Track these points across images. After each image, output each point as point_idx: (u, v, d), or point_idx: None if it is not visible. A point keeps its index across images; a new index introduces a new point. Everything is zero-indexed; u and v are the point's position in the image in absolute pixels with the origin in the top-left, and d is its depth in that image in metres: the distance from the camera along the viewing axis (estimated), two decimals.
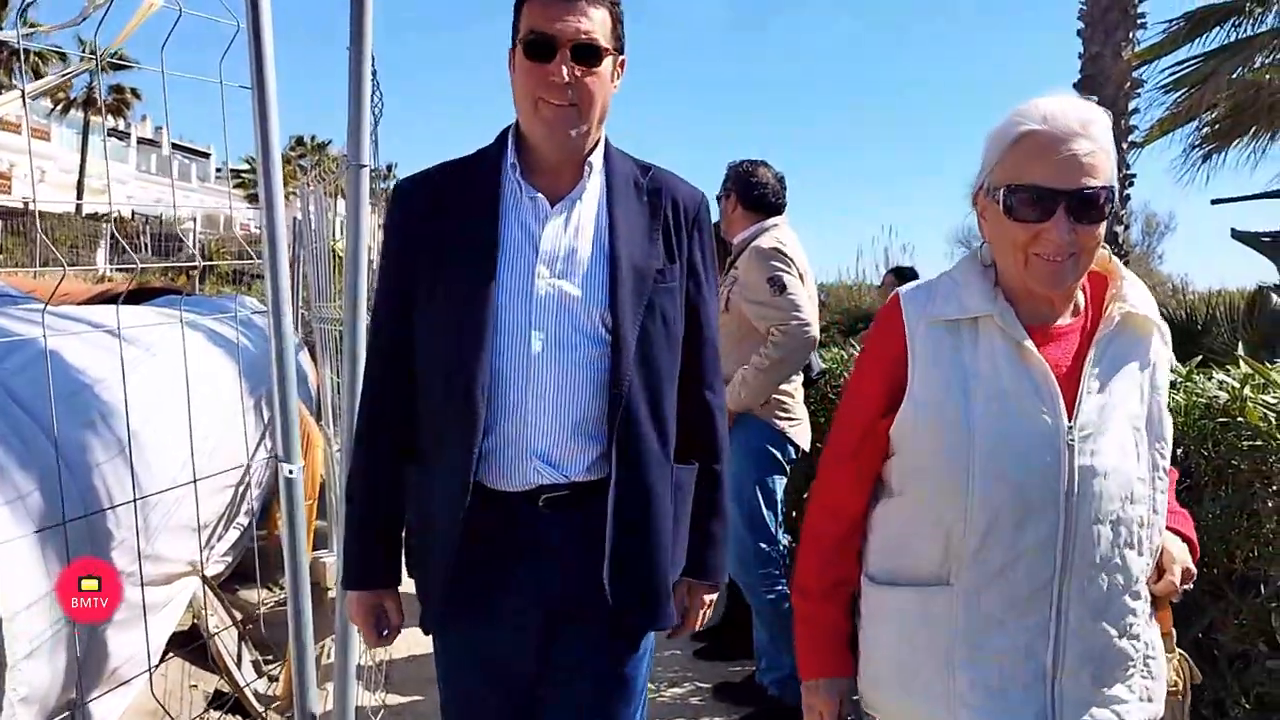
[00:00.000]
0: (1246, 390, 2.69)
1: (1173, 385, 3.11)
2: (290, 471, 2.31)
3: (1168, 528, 1.78)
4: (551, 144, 1.91)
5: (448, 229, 1.91)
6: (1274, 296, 7.61)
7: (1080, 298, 1.78)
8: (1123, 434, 1.68)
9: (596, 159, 1.99)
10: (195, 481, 2.76)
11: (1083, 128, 1.61)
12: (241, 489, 4.90)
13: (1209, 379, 3.10)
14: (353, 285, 2.44)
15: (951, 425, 1.68)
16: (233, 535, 4.86)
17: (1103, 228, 1.65)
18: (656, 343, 1.96)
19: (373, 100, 2.50)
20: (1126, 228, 10.18)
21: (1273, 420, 2.51)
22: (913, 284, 1.87)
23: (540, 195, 1.94)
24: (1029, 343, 1.67)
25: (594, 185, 1.98)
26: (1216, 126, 9.22)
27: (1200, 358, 3.85)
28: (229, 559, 4.85)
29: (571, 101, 1.86)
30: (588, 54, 1.86)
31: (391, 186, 2.00)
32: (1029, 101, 1.69)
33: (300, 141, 53.22)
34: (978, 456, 1.65)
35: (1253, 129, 8.95)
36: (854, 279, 26.43)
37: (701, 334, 2.08)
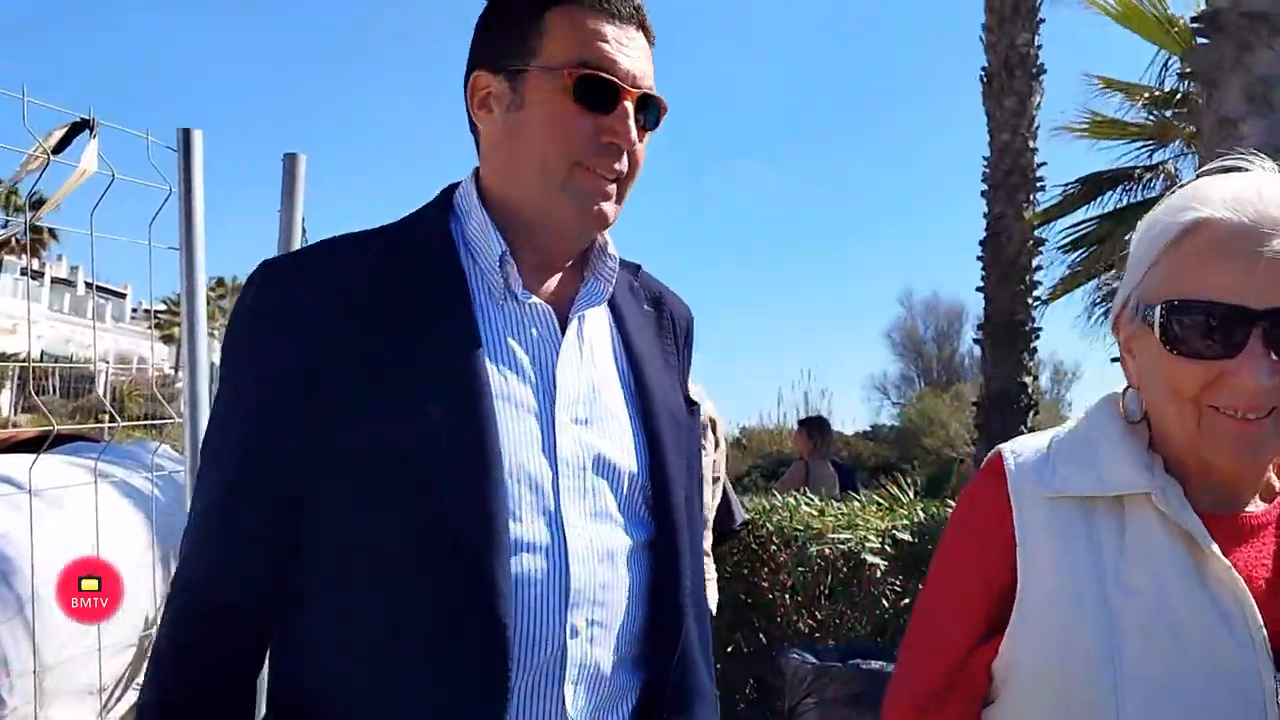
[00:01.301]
0: None
1: None
2: None
3: None
4: (577, 231, 1.30)
5: (385, 341, 1.17)
6: None
7: (1272, 475, 1.19)
8: None
9: (612, 248, 1.36)
10: (100, 649, 2.64)
11: None
12: (145, 648, 4.69)
13: None
14: None
15: (1086, 667, 1.06)
16: (131, 696, 4.63)
17: None
18: (695, 520, 1.39)
19: None
20: (1035, 378, 10.57)
21: None
22: (1018, 441, 1.26)
23: (543, 303, 1.28)
24: (1214, 545, 1.08)
25: (598, 290, 1.34)
26: (1115, 285, 9.76)
27: None
28: None
29: (620, 173, 1.26)
30: (652, 109, 1.29)
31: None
32: (1202, 179, 1.14)
33: (220, 282, 52.97)
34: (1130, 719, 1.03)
35: None
36: (775, 423, 26.78)
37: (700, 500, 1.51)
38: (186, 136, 2.22)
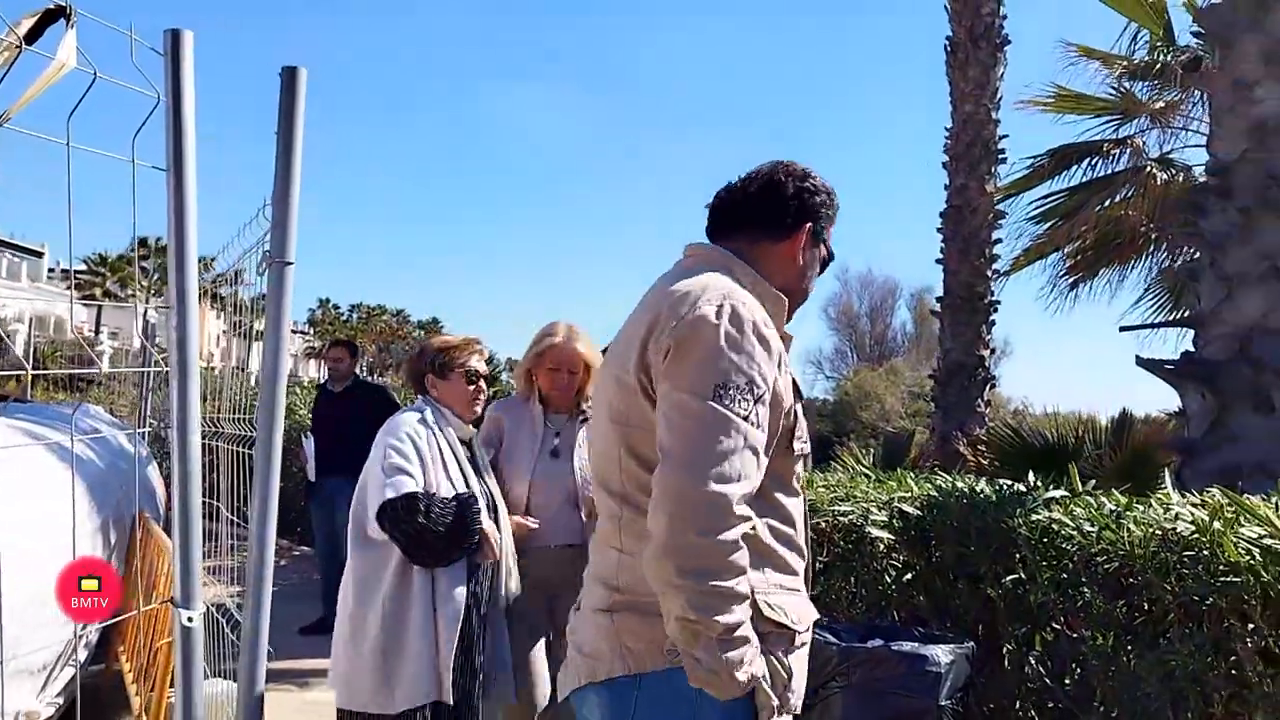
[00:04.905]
0: (1216, 524, 2.61)
1: (1117, 515, 3.04)
2: (189, 619, 1.93)
3: None
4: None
5: None
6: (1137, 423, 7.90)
7: None
8: None
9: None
10: None
11: None
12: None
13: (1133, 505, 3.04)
14: (270, 399, 2.11)
15: None
16: (69, 672, 4.29)
17: None
18: None
19: None
20: (992, 351, 10.52)
21: (1257, 556, 2.42)
22: None
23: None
24: None
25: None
26: (1079, 258, 9.71)
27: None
28: (60, 701, 4.27)
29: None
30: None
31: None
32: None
33: (143, 243, 50.93)
34: None
35: (1113, 260, 9.46)
36: None
37: None
38: (175, 39, 1.90)
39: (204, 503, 4.38)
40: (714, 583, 1.65)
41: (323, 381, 8.04)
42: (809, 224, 2.00)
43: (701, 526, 1.65)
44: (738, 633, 1.68)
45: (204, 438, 3.89)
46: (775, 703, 1.76)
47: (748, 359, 1.75)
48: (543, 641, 3.59)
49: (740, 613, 1.68)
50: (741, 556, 1.68)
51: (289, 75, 2.13)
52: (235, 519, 3.09)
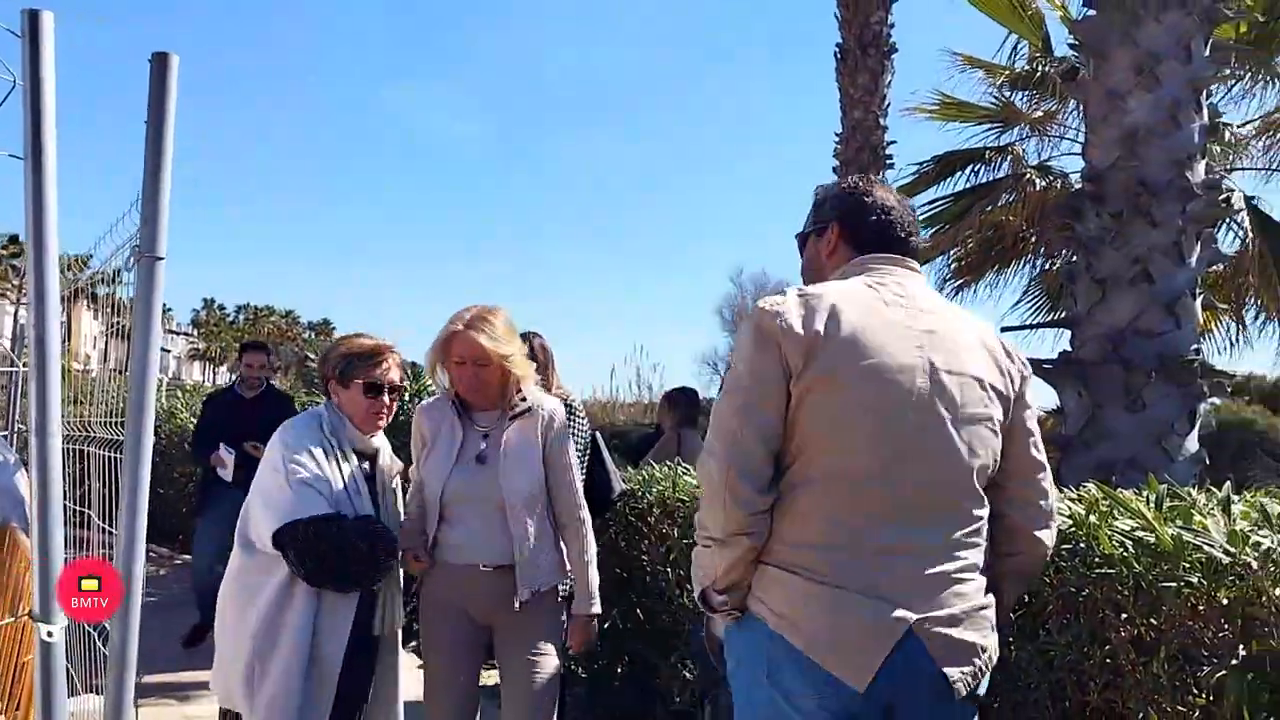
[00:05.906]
0: (1092, 517, 2.68)
1: None
2: (49, 634, 1.82)
3: None
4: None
5: None
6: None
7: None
8: None
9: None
10: None
11: None
12: None
13: None
14: (139, 401, 2.01)
15: None
16: None
17: None
18: None
19: None
20: None
21: (1130, 548, 2.50)
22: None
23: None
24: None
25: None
26: (964, 262, 9.98)
27: None
28: None
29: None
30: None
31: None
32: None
33: (14, 239, 48.74)
34: None
35: (995, 264, 9.76)
36: (607, 396, 26.80)
37: None
38: (34, 19, 1.79)
39: (75, 510, 4.20)
40: None
41: (231, 385, 7.68)
42: None
43: None
44: None
45: (76, 442, 3.71)
46: None
47: None
48: (479, 671, 3.23)
49: None
50: None
51: (159, 61, 2.03)
52: (107, 526, 2.95)
